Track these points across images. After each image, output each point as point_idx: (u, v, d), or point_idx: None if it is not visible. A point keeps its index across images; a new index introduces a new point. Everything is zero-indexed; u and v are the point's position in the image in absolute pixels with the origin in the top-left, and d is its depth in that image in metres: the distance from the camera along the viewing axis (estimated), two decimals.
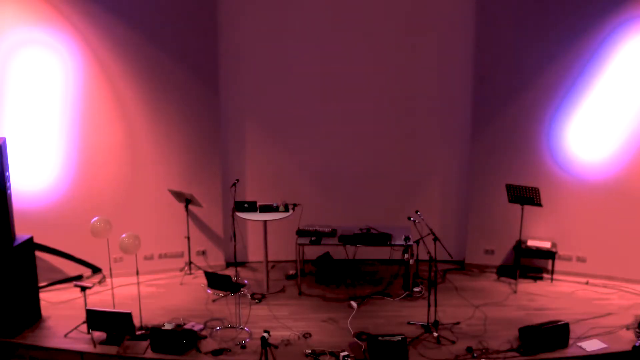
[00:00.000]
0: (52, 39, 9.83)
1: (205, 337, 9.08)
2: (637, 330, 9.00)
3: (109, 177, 10.44)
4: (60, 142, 10.17)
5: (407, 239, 10.03)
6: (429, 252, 9.14)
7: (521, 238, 10.40)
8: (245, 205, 10.46)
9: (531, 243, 10.52)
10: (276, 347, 8.31)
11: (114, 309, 9.28)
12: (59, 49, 9.88)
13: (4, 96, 9.81)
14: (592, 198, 10.35)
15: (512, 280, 10.39)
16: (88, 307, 9.01)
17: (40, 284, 9.85)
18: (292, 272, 10.79)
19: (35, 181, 10.10)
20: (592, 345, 8.72)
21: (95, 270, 10.64)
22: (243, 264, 11.18)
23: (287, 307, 9.90)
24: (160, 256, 10.84)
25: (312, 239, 10.24)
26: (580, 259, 10.58)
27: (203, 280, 9.77)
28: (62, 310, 9.74)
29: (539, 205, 10.03)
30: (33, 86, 9.90)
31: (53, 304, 9.88)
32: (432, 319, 9.21)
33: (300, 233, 10.37)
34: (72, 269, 10.53)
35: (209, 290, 10.08)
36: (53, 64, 9.92)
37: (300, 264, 10.44)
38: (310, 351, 8.75)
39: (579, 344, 8.75)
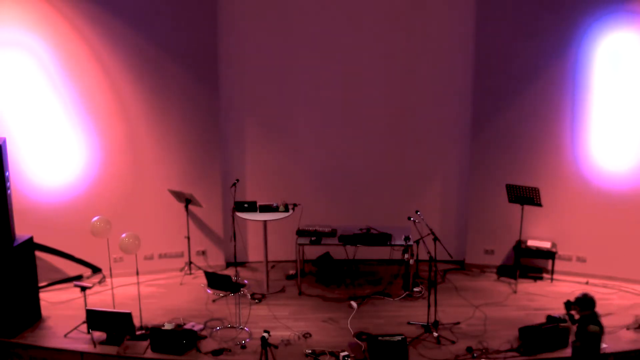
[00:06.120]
0: (52, 39, 9.82)
1: (205, 337, 9.08)
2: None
3: (109, 177, 10.44)
4: (60, 142, 10.17)
5: (407, 239, 10.03)
6: (429, 252, 9.14)
7: (521, 238, 10.39)
8: (245, 205, 10.46)
9: (531, 243, 10.51)
10: (276, 347, 8.30)
11: (114, 309, 9.28)
12: (58, 49, 9.88)
13: (4, 96, 9.82)
14: (592, 198, 10.34)
15: (512, 280, 10.39)
16: (88, 307, 9.00)
17: (40, 284, 9.85)
18: (292, 272, 10.78)
19: (35, 181, 10.09)
20: None
21: (95, 270, 10.64)
22: (243, 264, 11.18)
23: (287, 307, 9.89)
24: (160, 256, 10.84)
25: (312, 239, 10.24)
26: (580, 259, 10.57)
27: (203, 280, 9.77)
28: (62, 310, 9.74)
29: (539, 205, 10.02)
30: (34, 86, 9.90)
31: (53, 304, 9.87)
32: (432, 319, 9.21)
33: (300, 233, 10.37)
34: (72, 269, 10.52)
35: (209, 290, 10.07)
36: (53, 63, 9.91)
37: (300, 264, 10.44)
38: (310, 351, 8.75)
39: None
